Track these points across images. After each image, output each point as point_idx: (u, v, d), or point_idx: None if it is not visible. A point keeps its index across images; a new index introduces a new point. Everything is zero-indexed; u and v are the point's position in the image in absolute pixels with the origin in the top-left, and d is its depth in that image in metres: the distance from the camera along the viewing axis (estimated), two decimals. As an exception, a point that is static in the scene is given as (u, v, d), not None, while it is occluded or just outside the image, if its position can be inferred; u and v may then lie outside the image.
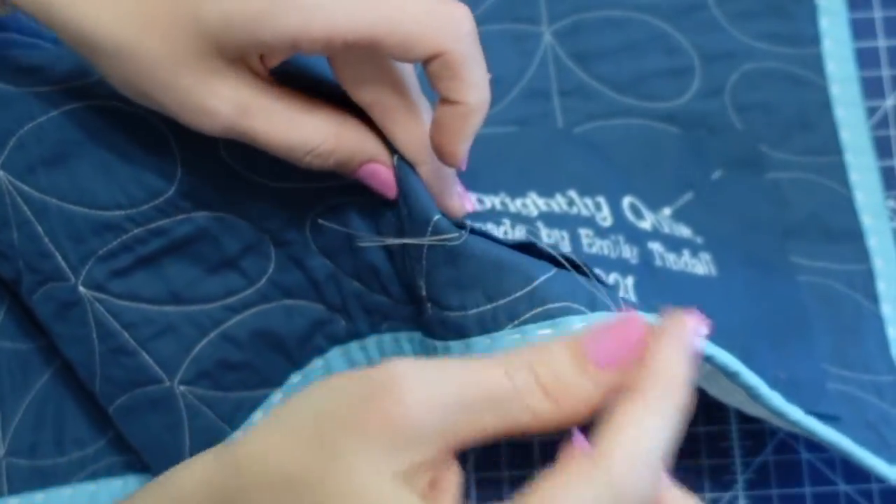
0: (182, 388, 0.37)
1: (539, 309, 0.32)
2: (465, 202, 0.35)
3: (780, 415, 0.36)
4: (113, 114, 0.35)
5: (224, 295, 0.38)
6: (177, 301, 0.37)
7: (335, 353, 0.39)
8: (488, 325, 0.32)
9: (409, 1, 0.30)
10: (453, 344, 0.34)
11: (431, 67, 0.31)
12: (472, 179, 0.39)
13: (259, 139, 0.32)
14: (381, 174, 0.34)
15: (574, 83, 0.45)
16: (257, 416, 0.38)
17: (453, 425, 0.25)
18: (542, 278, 0.32)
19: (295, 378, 0.39)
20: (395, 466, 0.24)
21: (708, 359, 0.34)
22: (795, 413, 0.36)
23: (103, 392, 0.38)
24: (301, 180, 0.36)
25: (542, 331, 0.31)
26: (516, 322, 0.32)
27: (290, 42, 0.29)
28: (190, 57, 0.30)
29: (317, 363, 0.39)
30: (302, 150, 0.32)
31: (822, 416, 0.38)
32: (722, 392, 0.39)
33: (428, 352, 0.36)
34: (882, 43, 0.48)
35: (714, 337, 0.39)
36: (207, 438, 0.38)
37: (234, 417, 0.38)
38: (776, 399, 0.36)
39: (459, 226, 0.33)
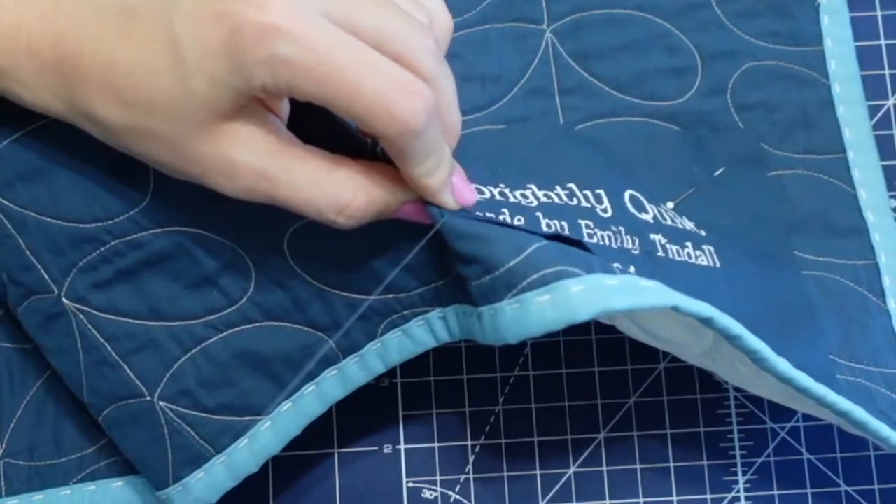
0: (162, 403, 0.37)
1: (534, 276, 0.32)
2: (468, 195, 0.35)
3: (787, 381, 0.35)
4: None
5: (205, 313, 0.37)
6: (157, 316, 0.37)
7: (327, 375, 0.38)
8: (489, 297, 0.33)
9: (367, 81, 0.30)
10: (483, 309, 0.34)
11: (381, 142, 0.32)
12: (472, 171, 0.39)
13: (285, 202, 0.32)
14: (417, 214, 0.34)
15: (575, 82, 0.45)
16: (243, 442, 0.37)
17: None
18: (534, 247, 0.32)
19: (285, 406, 0.38)
20: None
21: (707, 321, 0.33)
22: (804, 379, 0.36)
23: (91, 402, 0.38)
24: None
25: (540, 297, 0.31)
26: (514, 291, 0.32)
27: (261, 91, 0.30)
28: (200, 130, 0.31)
29: (307, 389, 0.38)
30: (332, 211, 0.32)
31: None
32: (726, 368, 0.39)
33: (468, 320, 0.35)
34: (884, 41, 0.48)
35: None
36: (189, 455, 0.37)
37: (217, 441, 0.37)
38: (782, 364, 0.35)
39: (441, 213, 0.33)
